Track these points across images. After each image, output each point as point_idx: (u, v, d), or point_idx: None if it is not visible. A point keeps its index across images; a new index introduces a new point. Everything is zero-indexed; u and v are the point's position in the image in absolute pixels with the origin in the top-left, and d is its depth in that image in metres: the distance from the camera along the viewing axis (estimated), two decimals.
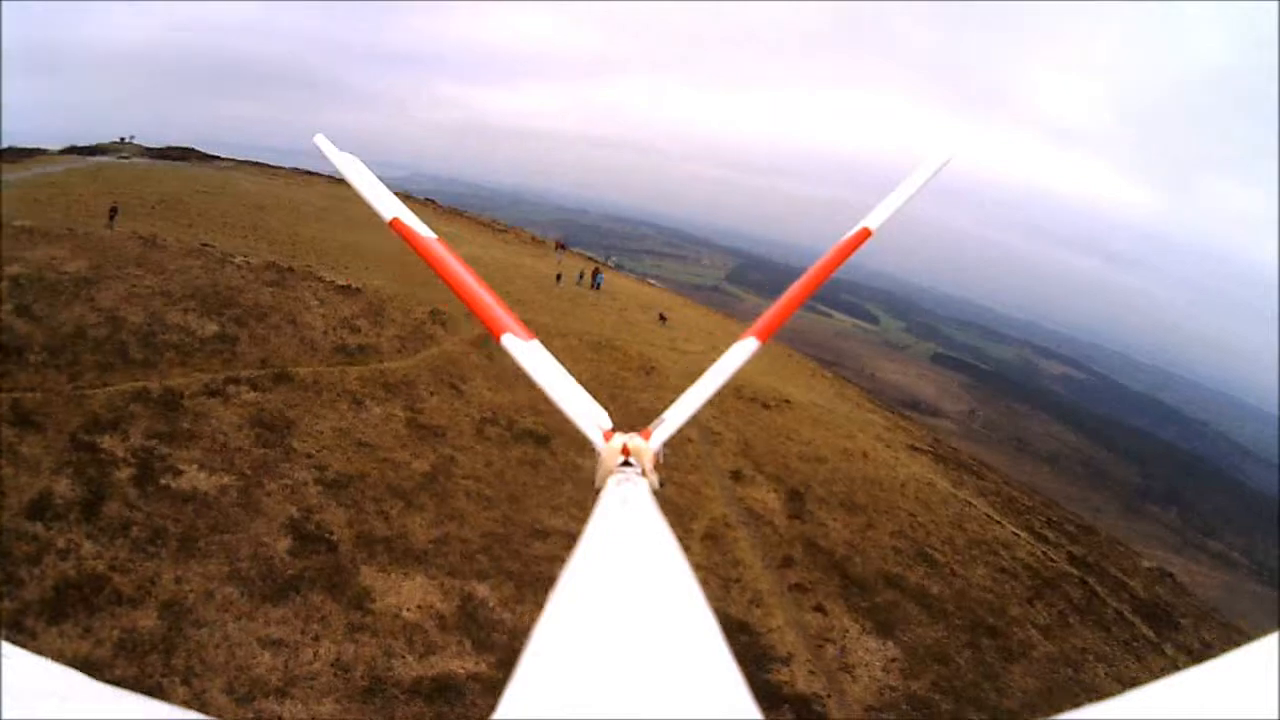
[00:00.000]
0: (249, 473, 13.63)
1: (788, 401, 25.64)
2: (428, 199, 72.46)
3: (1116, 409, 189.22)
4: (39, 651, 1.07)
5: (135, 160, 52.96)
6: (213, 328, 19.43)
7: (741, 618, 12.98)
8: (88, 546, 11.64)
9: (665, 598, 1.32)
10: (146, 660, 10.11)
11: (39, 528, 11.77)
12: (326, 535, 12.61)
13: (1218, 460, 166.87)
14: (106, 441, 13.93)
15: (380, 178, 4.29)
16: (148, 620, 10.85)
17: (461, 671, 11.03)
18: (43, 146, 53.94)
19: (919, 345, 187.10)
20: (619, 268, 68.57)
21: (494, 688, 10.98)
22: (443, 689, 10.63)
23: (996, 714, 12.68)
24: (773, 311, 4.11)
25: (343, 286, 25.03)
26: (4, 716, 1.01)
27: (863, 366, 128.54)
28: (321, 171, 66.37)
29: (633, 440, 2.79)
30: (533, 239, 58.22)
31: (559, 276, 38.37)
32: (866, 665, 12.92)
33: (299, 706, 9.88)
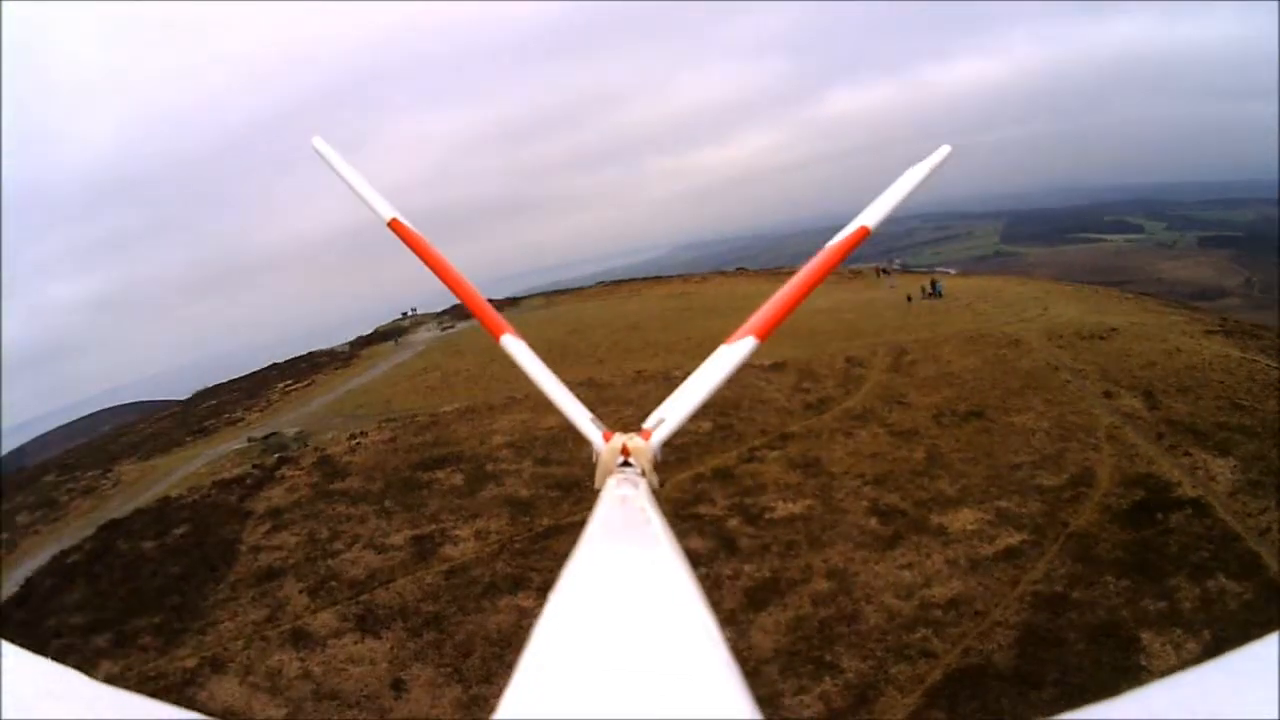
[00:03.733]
0: (818, 494, 21.08)
1: (1113, 329, 31.90)
2: (739, 269, 76.62)
3: None
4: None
5: (458, 326, 52.99)
6: (707, 424, 24.59)
7: (1147, 471, 20.70)
8: (746, 568, 18.23)
9: (664, 599, 1.38)
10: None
11: (701, 571, 17.64)
12: (899, 509, 19.89)
13: None
14: (703, 509, 20.89)
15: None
16: (822, 584, 17.25)
17: None
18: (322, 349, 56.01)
19: (1184, 237, 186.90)
20: (905, 268, 69.52)
21: None
22: None
23: None
24: (769, 310, 4.16)
25: (772, 365, 29.54)
26: (4, 716, 1.08)
27: (1149, 274, 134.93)
28: (626, 277, 70.76)
29: (633, 441, 2.88)
30: (850, 272, 57.08)
31: (909, 297, 43.28)
32: (1220, 472, 20.20)
33: None
